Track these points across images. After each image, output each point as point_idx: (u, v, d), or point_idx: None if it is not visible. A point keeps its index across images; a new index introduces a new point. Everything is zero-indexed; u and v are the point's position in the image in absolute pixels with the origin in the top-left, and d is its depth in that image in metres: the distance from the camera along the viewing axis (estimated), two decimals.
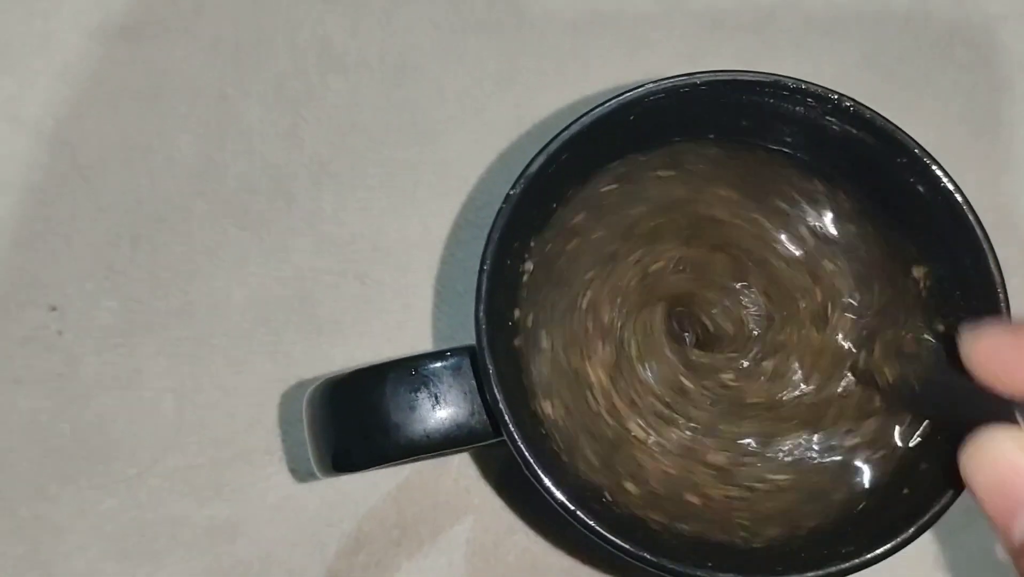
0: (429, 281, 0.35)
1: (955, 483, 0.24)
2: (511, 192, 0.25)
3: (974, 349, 0.23)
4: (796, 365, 0.28)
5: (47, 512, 0.33)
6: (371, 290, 0.35)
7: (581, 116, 0.26)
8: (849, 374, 0.28)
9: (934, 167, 0.27)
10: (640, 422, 0.27)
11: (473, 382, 0.25)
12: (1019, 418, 0.21)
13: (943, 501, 0.25)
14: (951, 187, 0.27)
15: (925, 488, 0.26)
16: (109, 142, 0.35)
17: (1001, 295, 0.26)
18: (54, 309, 0.34)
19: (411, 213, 0.35)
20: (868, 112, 0.27)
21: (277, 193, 0.35)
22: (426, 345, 0.34)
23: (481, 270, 0.24)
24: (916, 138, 0.27)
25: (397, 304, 0.35)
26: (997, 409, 0.22)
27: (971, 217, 0.26)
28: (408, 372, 0.25)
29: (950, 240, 0.27)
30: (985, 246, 0.26)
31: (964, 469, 0.22)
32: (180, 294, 0.34)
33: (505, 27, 0.37)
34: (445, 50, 0.37)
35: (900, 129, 0.27)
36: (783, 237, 0.29)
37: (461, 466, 0.33)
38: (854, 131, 0.28)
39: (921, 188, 0.27)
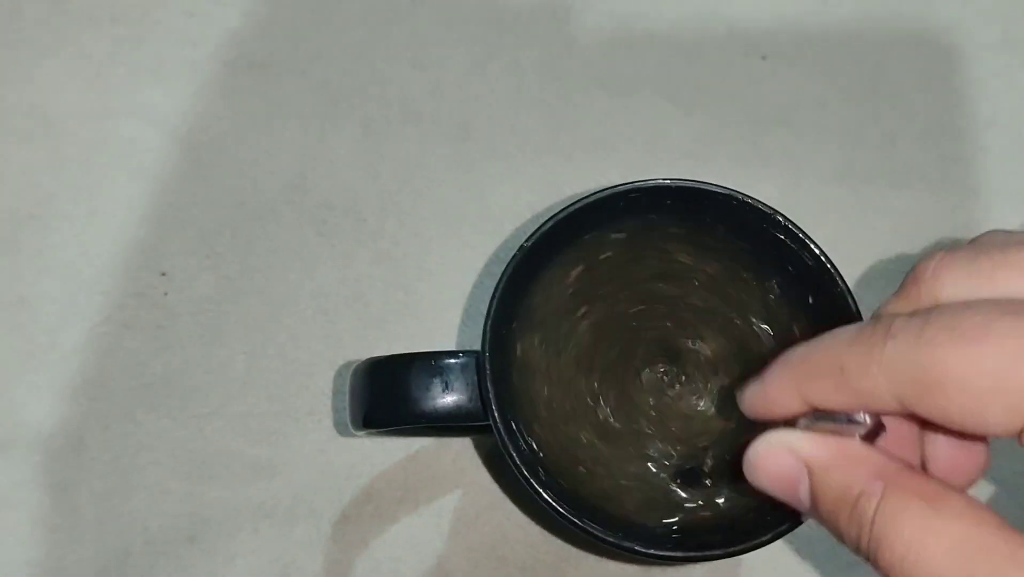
0: (461, 301, 0.43)
1: None
2: (524, 244, 0.33)
3: (746, 402, 0.30)
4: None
5: (132, 432, 0.41)
6: (412, 299, 0.43)
7: (586, 197, 0.35)
8: None
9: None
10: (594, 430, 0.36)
11: (475, 378, 0.33)
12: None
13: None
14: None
15: None
16: (227, 150, 0.45)
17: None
18: (163, 274, 0.43)
19: (454, 245, 0.44)
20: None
21: (350, 212, 0.44)
22: (444, 346, 0.43)
23: (493, 296, 0.33)
24: None
25: (430, 314, 0.43)
26: None
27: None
28: (429, 362, 0.34)
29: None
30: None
31: (748, 472, 0.29)
32: (262, 279, 0.43)
33: (554, 107, 0.46)
34: (502, 118, 0.46)
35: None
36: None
37: (460, 449, 0.42)
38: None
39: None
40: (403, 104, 0.46)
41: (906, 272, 0.28)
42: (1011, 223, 0.45)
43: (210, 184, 0.44)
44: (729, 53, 0.47)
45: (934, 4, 0.49)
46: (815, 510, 0.27)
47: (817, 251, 0.35)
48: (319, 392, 0.42)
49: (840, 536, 0.26)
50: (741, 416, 0.30)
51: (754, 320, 0.37)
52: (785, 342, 0.33)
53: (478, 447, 0.42)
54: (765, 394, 0.29)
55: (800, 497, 0.27)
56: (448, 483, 0.42)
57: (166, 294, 0.43)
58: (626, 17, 0.47)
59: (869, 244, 0.45)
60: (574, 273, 0.37)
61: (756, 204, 0.35)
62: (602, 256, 0.37)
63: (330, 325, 0.43)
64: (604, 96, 0.46)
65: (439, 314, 0.43)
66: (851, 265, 0.44)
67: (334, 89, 0.46)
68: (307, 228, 0.44)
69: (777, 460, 0.28)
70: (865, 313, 0.35)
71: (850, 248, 0.44)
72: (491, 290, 0.34)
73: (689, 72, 0.47)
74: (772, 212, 0.35)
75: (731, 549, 0.32)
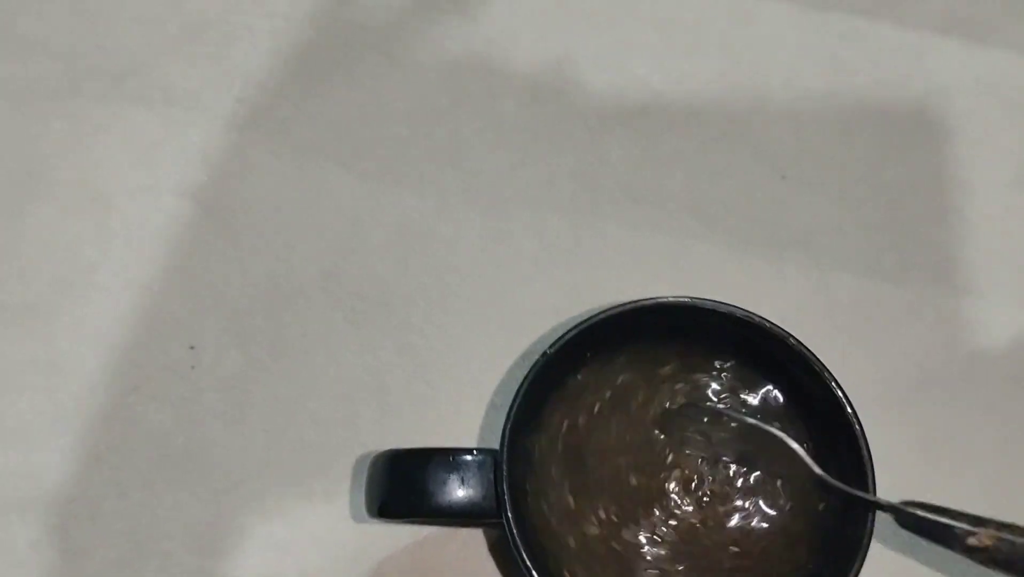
0: (482, 397, 0.44)
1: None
2: (548, 350, 0.35)
3: None
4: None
5: (149, 502, 0.42)
6: (433, 392, 0.44)
7: (605, 311, 0.36)
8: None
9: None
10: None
11: (491, 476, 0.34)
12: None
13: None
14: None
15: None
16: (265, 234, 0.46)
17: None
18: (192, 348, 0.44)
19: (479, 341, 0.45)
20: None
21: (380, 302, 0.46)
22: (469, 440, 0.44)
23: (514, 398, 0.34)
24: None
25: (450, 408, 0.44)
26: None
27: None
28: (447, 458, 0.35)
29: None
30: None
31: None
32: (288, 361, 0.45)
33: (582, 210, 0.48)
34: (532, 222, 0.47)
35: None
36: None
37: (467, 537, 0.42)
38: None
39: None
40: (438, 201, 0.47)
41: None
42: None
43: (246, 265, 0.46)
44: (752, 173, 0.49)
45: (952, 140, 0.51)
46: None
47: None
48: (336, 476, 0.43)
49: None
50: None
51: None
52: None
53: (485, 535, 0.43)
54: None
55: None
56: (453, 571, 0.42)
57: (193, 368, 0.44)
58: (655, 133, 0.49)
59: (877, 367, 0.46)
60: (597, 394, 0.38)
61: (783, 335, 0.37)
62: (619, 380, 0.38)
63: (351, 411, 0.44)
64: (631, 207, 0.48)
65: (459, 408, 0.44)
66: (859, 386, 0.46)
67: (373, 182, 0.47)
68: (337, 314, 0.45)
69: None
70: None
71: (859, 369, 0.46)
72: (513, 391, 0.35)
73: (713, 189, 0.49)
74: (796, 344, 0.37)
75: None
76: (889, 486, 0.39)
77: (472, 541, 0.42)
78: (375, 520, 0.36)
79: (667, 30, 0.51)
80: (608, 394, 0.38)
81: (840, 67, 0.52)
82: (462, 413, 0.44)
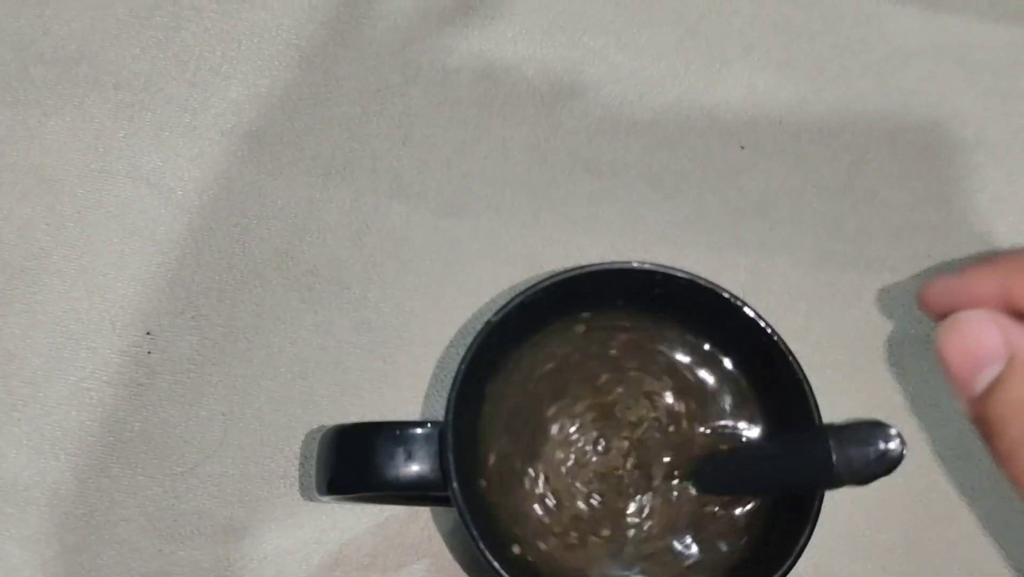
0: (431, 368, 0.44)
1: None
2: (491, 319, 0.34)
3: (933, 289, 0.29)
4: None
5: (107, 487, 0.42)
6: (390, 368, 0.44)
7: (552, 277, 0.36)
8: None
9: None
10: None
11: (437, 448, 0.34)
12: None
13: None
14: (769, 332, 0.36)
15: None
16: (219, 215, 0.46)
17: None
18: (148, 334, 0.44)
19: (434, 316, 0.45)
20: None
21: (335, 280, 0.45)
22: (417, 415, 0.44)
23: (458, 368, 0.34)
24: None
25: (407, 383, 0.44)
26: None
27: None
28: (394, 432, 0.34)
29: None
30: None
31: (938, 343, 0.27)
32: (245, 341, 0.44)
33: (538, 187, 0.47)
34: (487, 197, 0.47)
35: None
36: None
37: (428, 518, 0.42)
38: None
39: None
40: (392, 179, 0.47)
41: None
42: None
43: (200, 247, 0.45)
44: (710, 142, 0.49)
45: (910, 104, 0.50)
46: (985, 401, 0.26)
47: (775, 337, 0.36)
48: (293, 456, 0.43)
49: (1002, 435, 0.25)
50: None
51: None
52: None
53: (445, 516, 0.42)
54: (963, 282, 0.27)
55: (976, 382, 0.26)
56: (416, 552, 0.42)
57: (149, 353, 0.44)
58: (611, 105, 0.49)
59: (839, 333, 0.46)
60: (543, 363, 0.38)
61: (717, 290, 0.37)
62: (566, 347, 0.38)
63: (309, 390, 0.44)
64: (587, 178, 0.48)
65: (415, 384, 0.44)
66: (821, 352, 0.45)
67: (326, 161, 0.47)
68: (291, 294, 0.45)
69: (980, 335, 0.26)
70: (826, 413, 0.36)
71: (820, 335, 0.46)
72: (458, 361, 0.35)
73: (670, 159, 0.48)
74: (733, 298, 0.37)
75: None
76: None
77: (435, 521, 0.42)
78: (326, 497, 0.35)
79: (623, 2, 0.51)
80: (552, 365, 0.38)
81: (798, 34, 0.51)
82: (417, 388, 0.44)
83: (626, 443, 0.38)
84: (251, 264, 0.45)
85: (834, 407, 0.37)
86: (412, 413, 0.43)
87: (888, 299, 0.47)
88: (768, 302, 0.40)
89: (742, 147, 0.49)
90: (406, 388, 0.44)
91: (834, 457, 0.29)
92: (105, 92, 0.47)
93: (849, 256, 0.47)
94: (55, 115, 0.47)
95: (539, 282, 0.36)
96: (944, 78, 0.51)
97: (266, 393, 0.44)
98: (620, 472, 0.37)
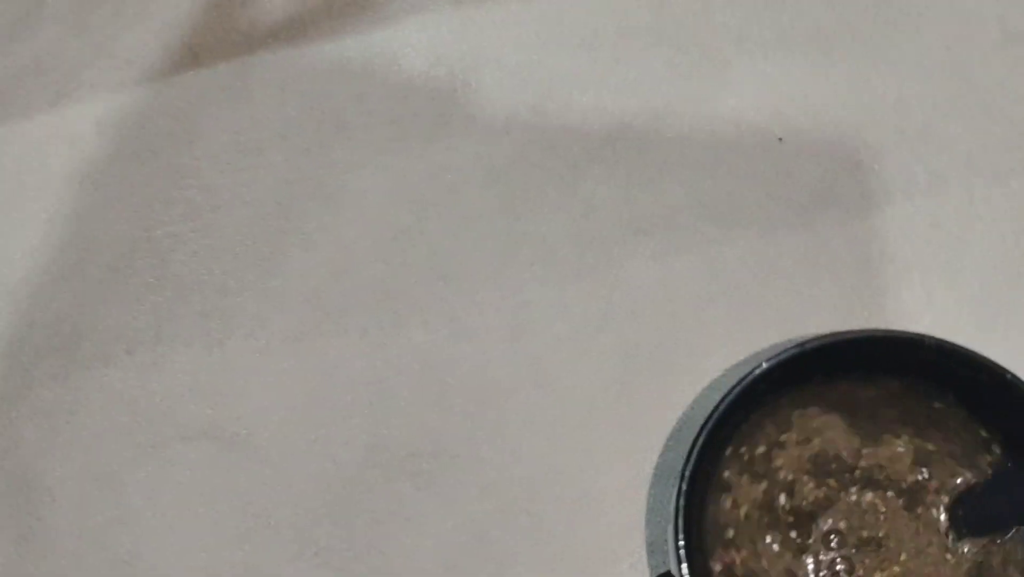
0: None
1: None
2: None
3: None
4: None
5: None
6: (538, 521, 0.40)
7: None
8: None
9: None
10: None
11: None
12: None
13: None
14: None
15: None
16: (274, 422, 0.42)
17: None
18: None
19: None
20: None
21: (440, 452, 0.41)
22: None
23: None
24: None
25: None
26: None
27: None
28: None
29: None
30: None
31: None
32: (378, 554, 0.40)
33: (593, 264, 0.44)
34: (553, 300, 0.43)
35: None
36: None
37: None
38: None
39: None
40: (449, 322, 0.43)
41: None
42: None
43: (290, 494, 0.41)
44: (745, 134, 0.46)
45: None
46: None
47: None
48: None
49: None
50: None
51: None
52: None
53: None
54: None
55: None
56: None
57: None
58: (632, 160, 0.45)
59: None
60: None
61: None
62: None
63: None
64: (638, 239, 0.44)
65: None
66: None
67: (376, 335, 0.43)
68: (401, 484, 0.41)
69: None
70: None
71: None
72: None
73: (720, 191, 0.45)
74: None
75: None
76: None
77: None
78: None
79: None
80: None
81: None
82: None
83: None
84: (346, 474, 0.41)
85: None
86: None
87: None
88: None
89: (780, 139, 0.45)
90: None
91: None
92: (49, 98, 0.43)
93: None
94: None
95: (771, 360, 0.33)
96: None
97: None
98: None
